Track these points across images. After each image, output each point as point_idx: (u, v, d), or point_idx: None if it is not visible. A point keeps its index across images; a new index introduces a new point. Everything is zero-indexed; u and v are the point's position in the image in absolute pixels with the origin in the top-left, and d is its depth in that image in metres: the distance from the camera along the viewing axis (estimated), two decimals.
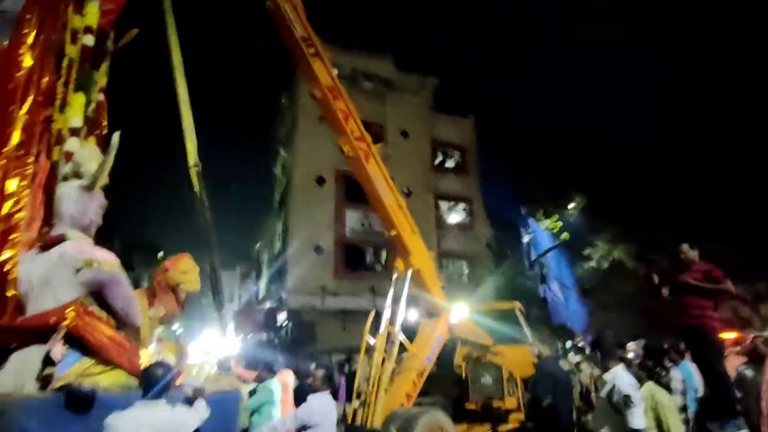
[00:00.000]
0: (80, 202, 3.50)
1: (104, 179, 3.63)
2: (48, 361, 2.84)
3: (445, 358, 7.23)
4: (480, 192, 23.71)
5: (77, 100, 3.90)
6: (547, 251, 17.37)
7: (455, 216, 23.85)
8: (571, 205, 19.90)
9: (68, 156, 3.67)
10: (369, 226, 19.26)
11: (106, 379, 2.96)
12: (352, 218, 19.58)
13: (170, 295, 4.07)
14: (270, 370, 6.10)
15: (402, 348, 6.43)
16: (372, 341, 6.48)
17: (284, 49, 7.49)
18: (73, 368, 2.95)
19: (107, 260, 3.40)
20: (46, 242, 3.36)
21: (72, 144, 3.72)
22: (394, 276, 7.37)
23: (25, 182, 3.36)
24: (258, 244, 28.85)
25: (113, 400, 2.68)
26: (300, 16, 7.07)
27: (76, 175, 3.57)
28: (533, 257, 17.51)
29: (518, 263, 18.97)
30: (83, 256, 3.30)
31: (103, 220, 3.73)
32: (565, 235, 18.60)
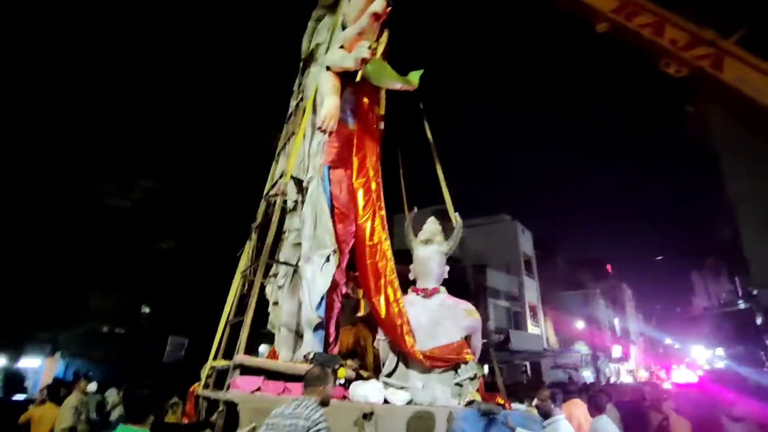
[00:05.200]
0: (441, 264, 4.56)
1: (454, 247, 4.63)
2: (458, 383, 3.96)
3: None
4: None
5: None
6: None
7: None
8: None
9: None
10: None
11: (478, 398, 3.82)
12: None
13: None
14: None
15: None
16: None
17: None
18: (469, 389, 3.86)
19: (476, 311, 4.28)
20: (428, 292, 4.37)
21: (429, 223, 4.90)
22: None
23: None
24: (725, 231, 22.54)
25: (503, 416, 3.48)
26: None
27: (429, 241, 4.69)
28: None
29: None
30: (462, 306, 4.24)
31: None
32: None
